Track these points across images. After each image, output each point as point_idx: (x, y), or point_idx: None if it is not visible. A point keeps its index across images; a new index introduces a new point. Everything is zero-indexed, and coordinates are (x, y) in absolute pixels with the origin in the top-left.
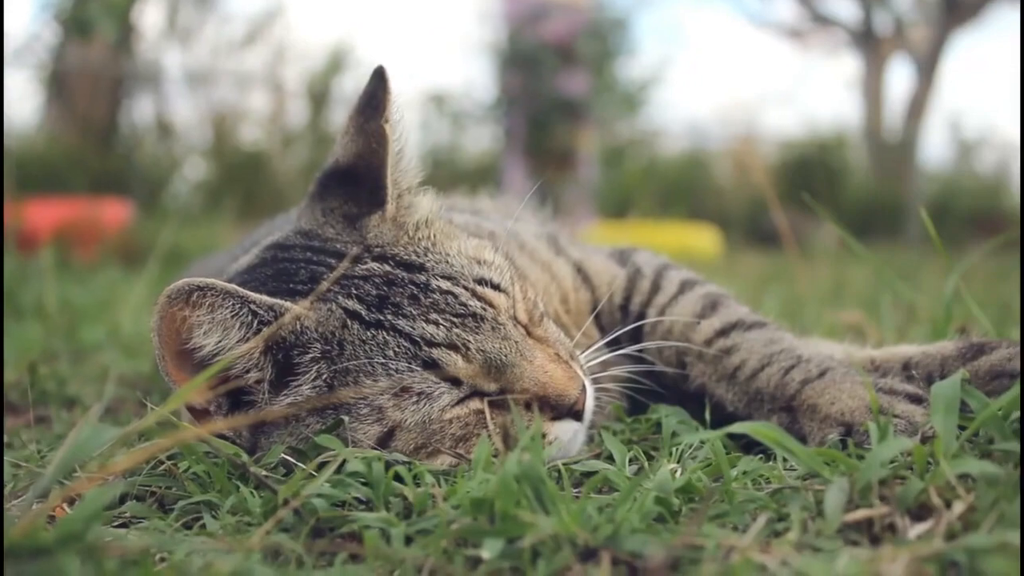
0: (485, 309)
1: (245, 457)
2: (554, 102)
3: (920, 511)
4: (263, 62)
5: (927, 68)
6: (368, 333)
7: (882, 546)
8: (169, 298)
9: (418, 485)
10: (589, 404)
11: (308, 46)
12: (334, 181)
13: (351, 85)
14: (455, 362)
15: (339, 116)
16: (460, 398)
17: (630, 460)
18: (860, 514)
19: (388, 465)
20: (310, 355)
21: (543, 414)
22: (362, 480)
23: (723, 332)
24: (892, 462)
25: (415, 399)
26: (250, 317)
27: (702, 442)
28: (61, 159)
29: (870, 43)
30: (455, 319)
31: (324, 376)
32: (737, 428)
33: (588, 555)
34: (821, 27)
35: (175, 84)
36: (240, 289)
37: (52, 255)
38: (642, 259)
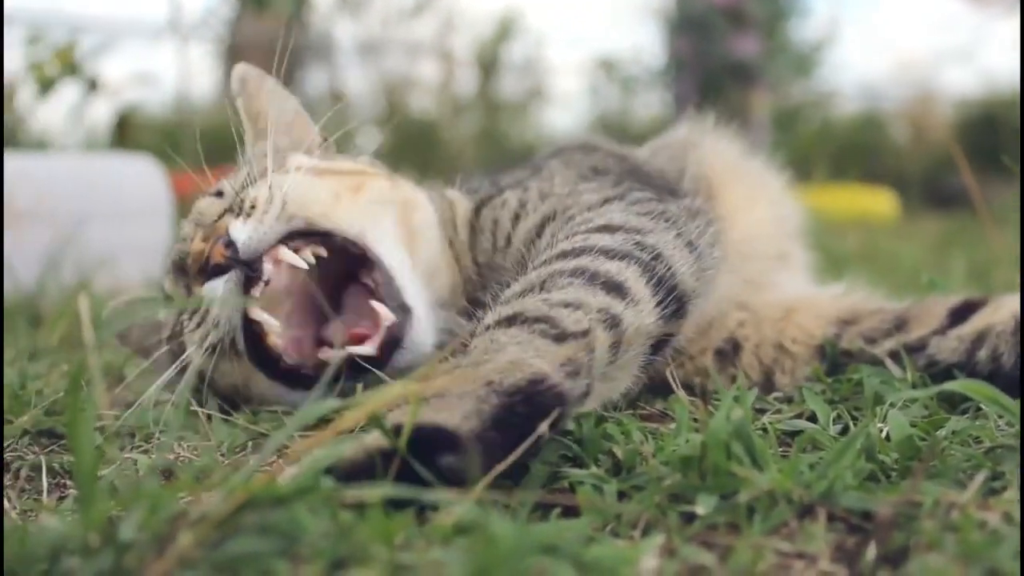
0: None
1: None
2: (725, 66)
3: None
4: (432, 31)
5: None
6: None
7: None
8: None
9: (626, 443)
10: (229, 248)
11: (476, 14)
12: None
13: (520, 52)
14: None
15: (508, 84)
16: None
17: (834, 419)
18: None
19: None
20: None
21: (199, 280)
22: (571, 437)
23: (488, 327)
24: None
25: None
26: None
27: (907, 402)
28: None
29: None
30: None
31: None
32: (950, 386)
33: (803, 512)
34: None
35: (347, 55)
36: None
37: None
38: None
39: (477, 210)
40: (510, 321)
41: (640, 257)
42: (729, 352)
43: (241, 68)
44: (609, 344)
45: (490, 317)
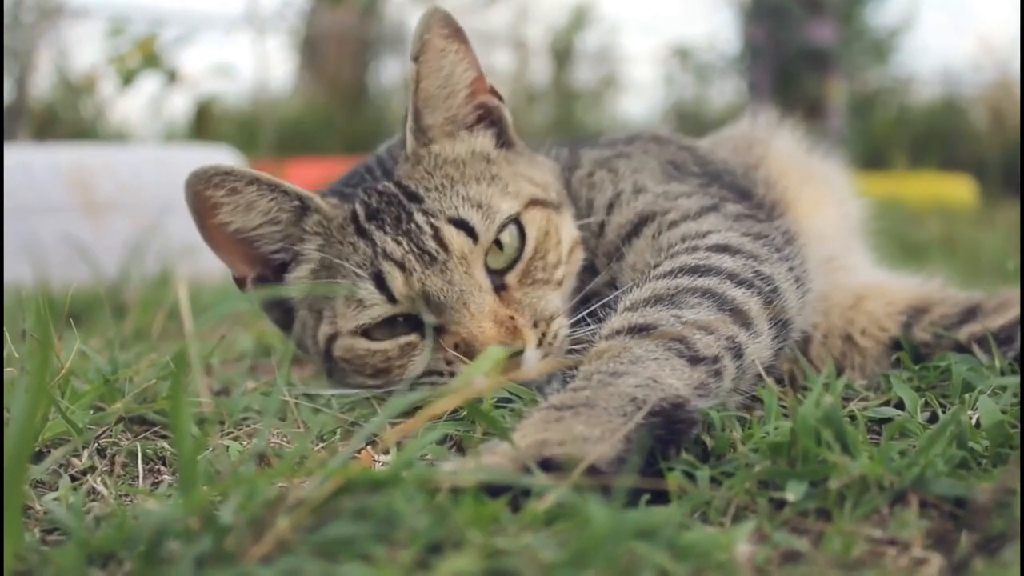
0: (438, 251)
1: (540, 399)
2: (800, 53)
3: None
4: (506, 20)
5: None
6: (354, 237)
7: None
8: (193, 178)
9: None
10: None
11: (550, 3)
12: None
13: (594, 41)
14: (396, 279)
15: (582, 72)
16: (389, 315)
17: (921, 407)
18: None
19: None
20: (315, 245)
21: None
22: None
23: (619, 332)
24: None
25: (355, 306)
26: (274, 204)
27: (996, 389)
28: (314, 122)
29: None
30: (416, 249)
31: (315, 263)
32: None
33: (895, 499)
34: None
35: None
36: (269, 176)
37: None
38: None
39: (566, 174)
40: (643, 331)
41: (761, 288)
42: (799, 342)
43: None
44: (733, 375)
45: (618, 321)
